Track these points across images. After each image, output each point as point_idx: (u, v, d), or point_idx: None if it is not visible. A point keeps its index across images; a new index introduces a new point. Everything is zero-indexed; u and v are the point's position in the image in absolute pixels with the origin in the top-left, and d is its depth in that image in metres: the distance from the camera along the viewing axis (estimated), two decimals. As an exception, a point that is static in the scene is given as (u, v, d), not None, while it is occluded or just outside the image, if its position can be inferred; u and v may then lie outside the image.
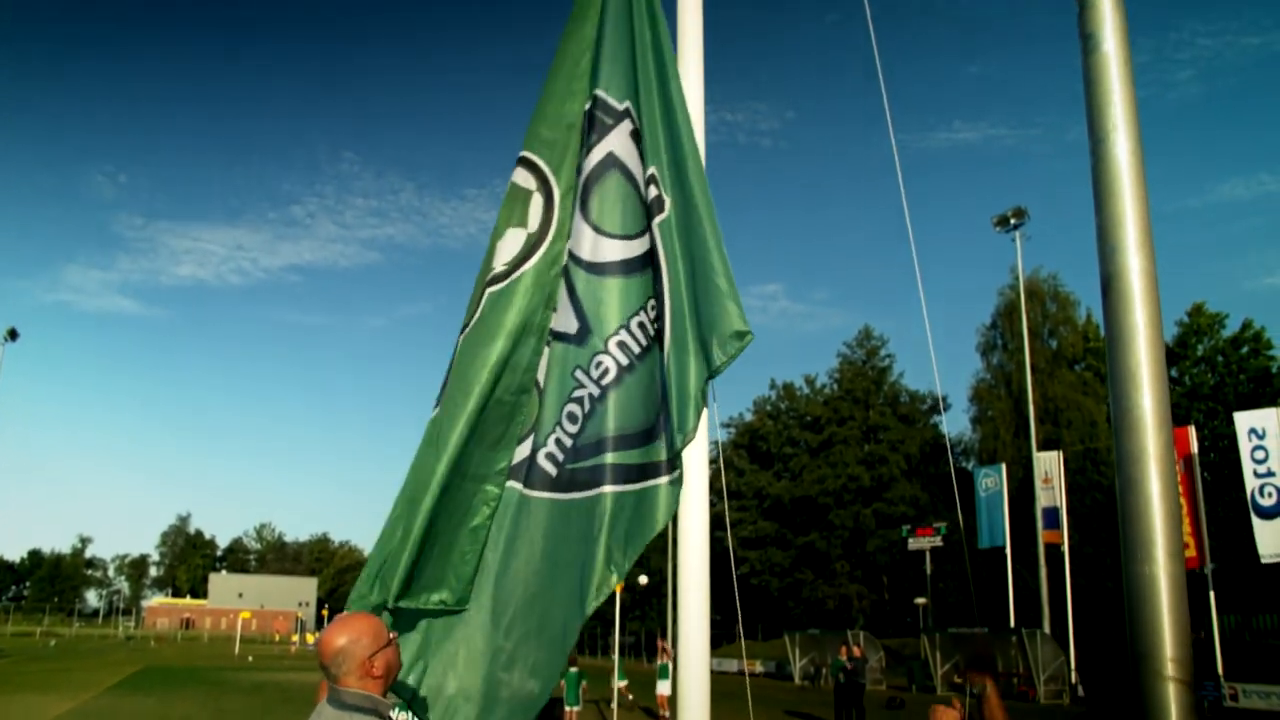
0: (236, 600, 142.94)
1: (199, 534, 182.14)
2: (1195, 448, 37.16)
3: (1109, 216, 2.38)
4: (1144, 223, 2.39)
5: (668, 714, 25.63)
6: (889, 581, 71.53)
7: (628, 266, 4.17)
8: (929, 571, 54.99)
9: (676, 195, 3.98)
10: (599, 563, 3.80)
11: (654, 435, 3.88)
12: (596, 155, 4.37)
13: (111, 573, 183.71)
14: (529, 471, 4.16)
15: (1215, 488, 45.81)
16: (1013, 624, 43.67)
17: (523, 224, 4.36)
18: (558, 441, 4.14)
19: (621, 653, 30.31)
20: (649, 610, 79.81)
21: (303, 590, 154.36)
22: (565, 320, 4.26)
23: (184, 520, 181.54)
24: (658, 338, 3.96)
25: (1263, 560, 34.57)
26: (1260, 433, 35.16)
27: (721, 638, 59.85)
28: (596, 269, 4.23)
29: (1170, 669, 2.14)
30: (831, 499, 72.18)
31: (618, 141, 4.35)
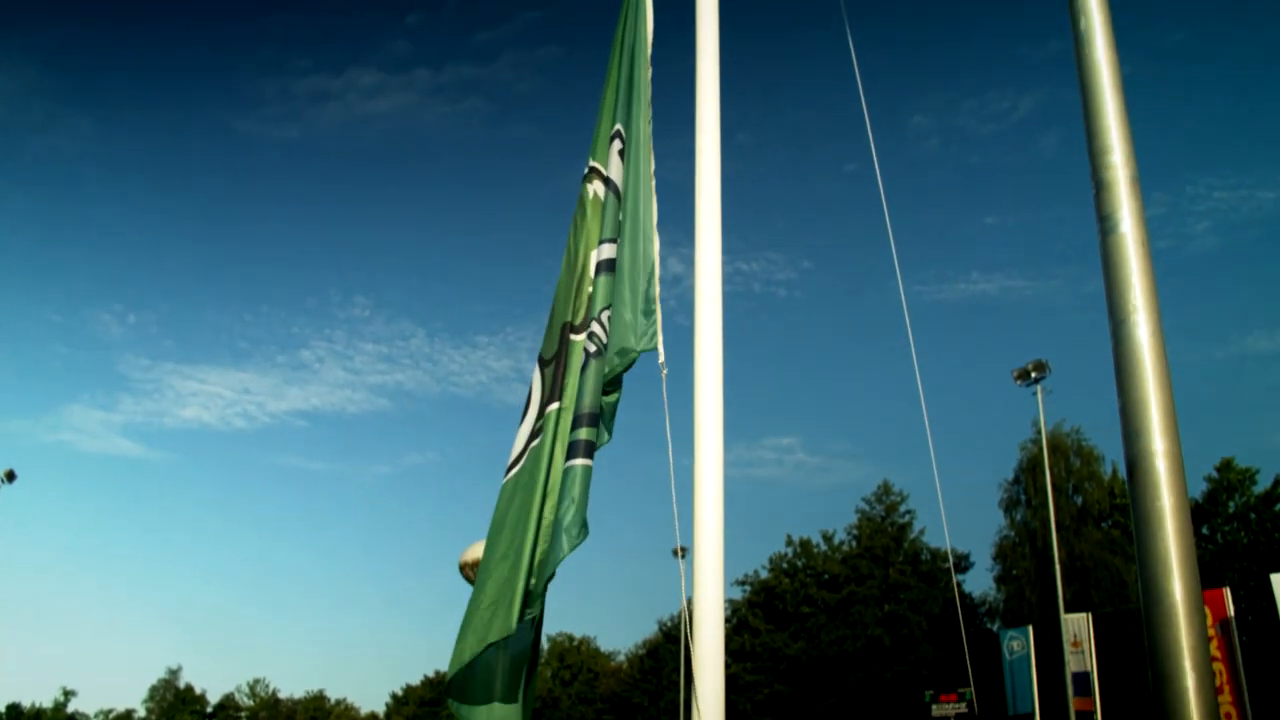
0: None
1: (189, 688, 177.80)
2: (1231, 610, 36.31)
3: (1132, 399, 2.43)
4: (1168, 405, 2.44)
5: None
6: (912, 750, 69.29)
7: (609, 265, 5.14)
8: (955, 740, 53.22)
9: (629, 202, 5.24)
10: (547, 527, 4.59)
11: (595, 420, 4.72)
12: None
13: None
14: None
15: (1254, 650, 44.65)
16: (1045, 799, 42.01)
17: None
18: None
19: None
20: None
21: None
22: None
23: (174, 674, 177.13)
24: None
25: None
26: (1298, 595, 34.38)
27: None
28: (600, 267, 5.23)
29: None
30: (851, 661, 70.48)
31: (615, 162, 5.45)
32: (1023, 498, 62.90)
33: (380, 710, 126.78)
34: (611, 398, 4.92)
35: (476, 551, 5.28)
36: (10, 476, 57.16)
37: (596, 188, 5.44)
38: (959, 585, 72.54)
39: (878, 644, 70.14)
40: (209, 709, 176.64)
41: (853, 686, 70.05)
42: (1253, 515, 54.02)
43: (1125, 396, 2.46)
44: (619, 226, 5.19)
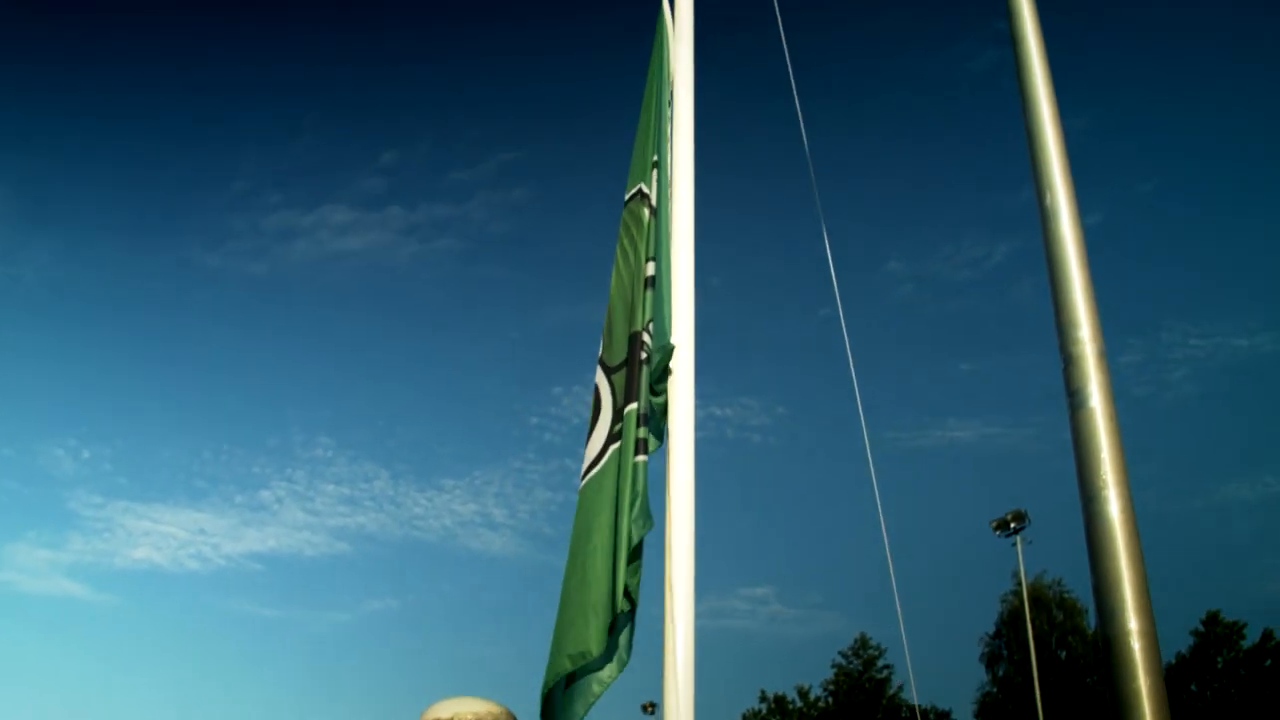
0: None
1: None
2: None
3: (1105, 578, 2.50)
4: (1141, 584, 2.50)
5: None
6: None
7: (652, 282, 5.57)
8: None
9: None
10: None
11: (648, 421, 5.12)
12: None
13: None
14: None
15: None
16: None
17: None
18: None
19: None
20: None
21: None
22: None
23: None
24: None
25: None
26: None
27: None
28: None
29: None
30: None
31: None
32: (1004, 652, 62.21)
33: None
34: (660, 399, 5.27)
35: (441, 710, 5.19)
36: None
37: (645, 209, 5.96)
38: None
39: (857, 808, 68.24)
40: None
41: None
42: (1242, 670, 53.59)
43: (1098, 575, 2.52)
44: (658, 247, 5.70)
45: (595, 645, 4.65)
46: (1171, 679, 50.98)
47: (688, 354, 5.30)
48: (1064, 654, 60.93)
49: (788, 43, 6.27)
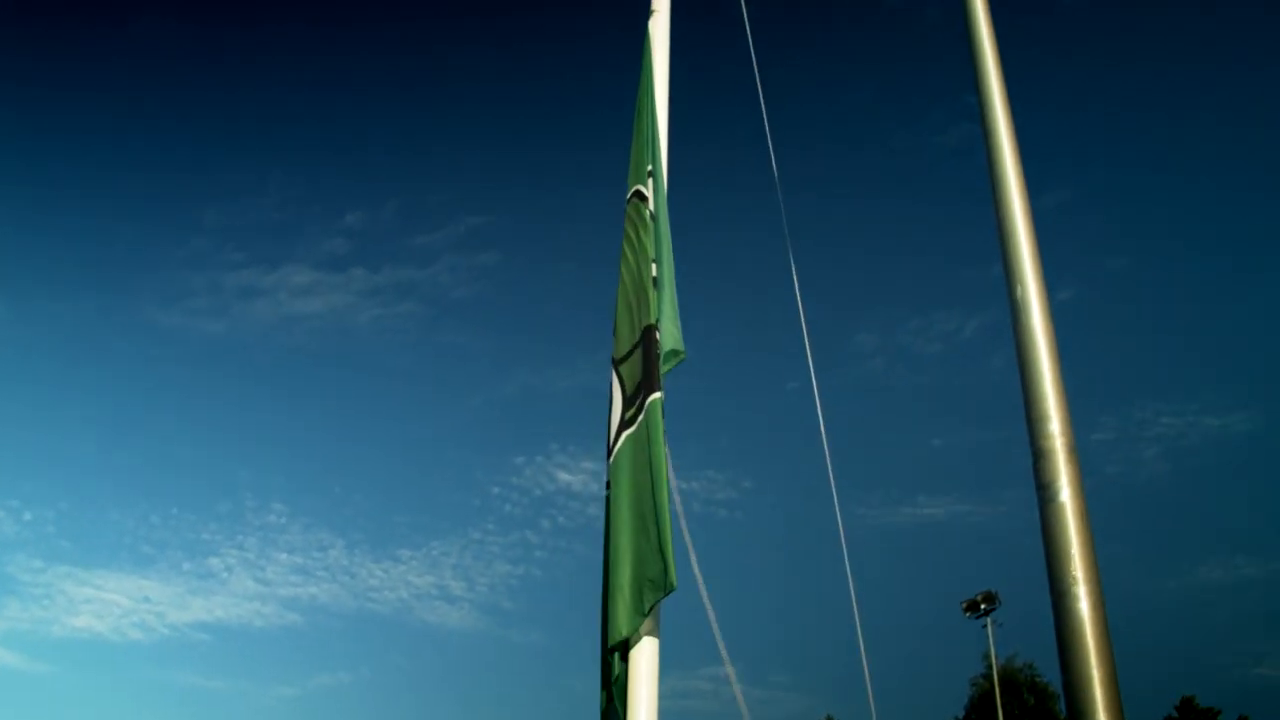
0: None
1: None
2: None
3: (1074, 673, 2.57)
4: (1110, 680, 2.57)
5: None
6: None
7: (655, 282, 5.80)
8: None
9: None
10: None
11: None
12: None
13: None
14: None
15: None
16: None
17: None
18: None
19: None
20: None
21: None
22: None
23: None
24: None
25: None
26: None
27: None
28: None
29: None
30: None
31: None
32: (975, 737, 61.76)
33: None
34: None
35: None
36: None
37: (645, 209, 6.19)
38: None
39: None
40: None
41: None
42: (1217, 759, 53.50)
43: (1068, 672, 2.58)
44: (658, 250, 5.95)
45: (626, 625, 4.82)
46: (1145, 767, 50.74)
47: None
48: (1036, 740, 60.61)
49: (766, 112, 6.51)
